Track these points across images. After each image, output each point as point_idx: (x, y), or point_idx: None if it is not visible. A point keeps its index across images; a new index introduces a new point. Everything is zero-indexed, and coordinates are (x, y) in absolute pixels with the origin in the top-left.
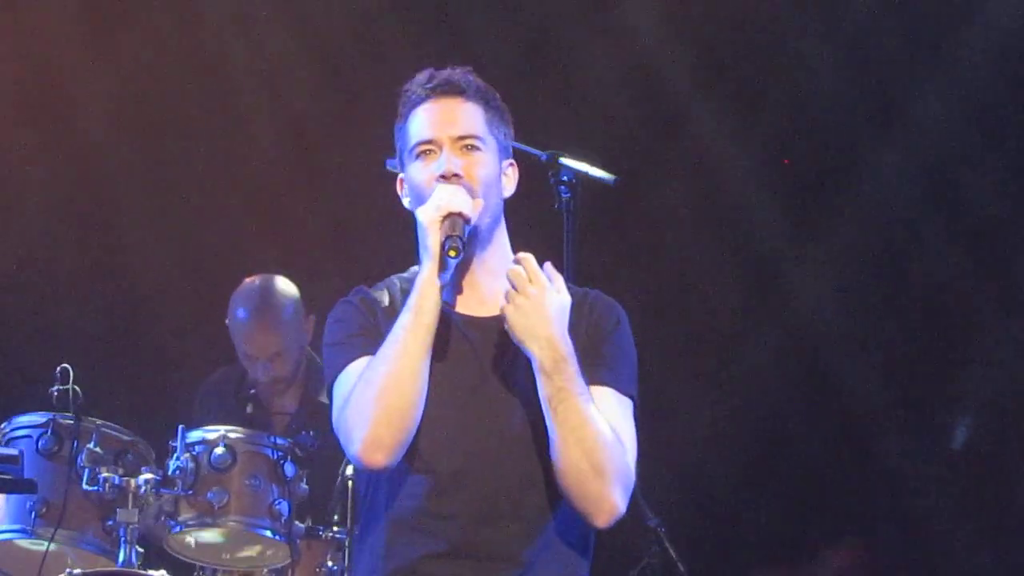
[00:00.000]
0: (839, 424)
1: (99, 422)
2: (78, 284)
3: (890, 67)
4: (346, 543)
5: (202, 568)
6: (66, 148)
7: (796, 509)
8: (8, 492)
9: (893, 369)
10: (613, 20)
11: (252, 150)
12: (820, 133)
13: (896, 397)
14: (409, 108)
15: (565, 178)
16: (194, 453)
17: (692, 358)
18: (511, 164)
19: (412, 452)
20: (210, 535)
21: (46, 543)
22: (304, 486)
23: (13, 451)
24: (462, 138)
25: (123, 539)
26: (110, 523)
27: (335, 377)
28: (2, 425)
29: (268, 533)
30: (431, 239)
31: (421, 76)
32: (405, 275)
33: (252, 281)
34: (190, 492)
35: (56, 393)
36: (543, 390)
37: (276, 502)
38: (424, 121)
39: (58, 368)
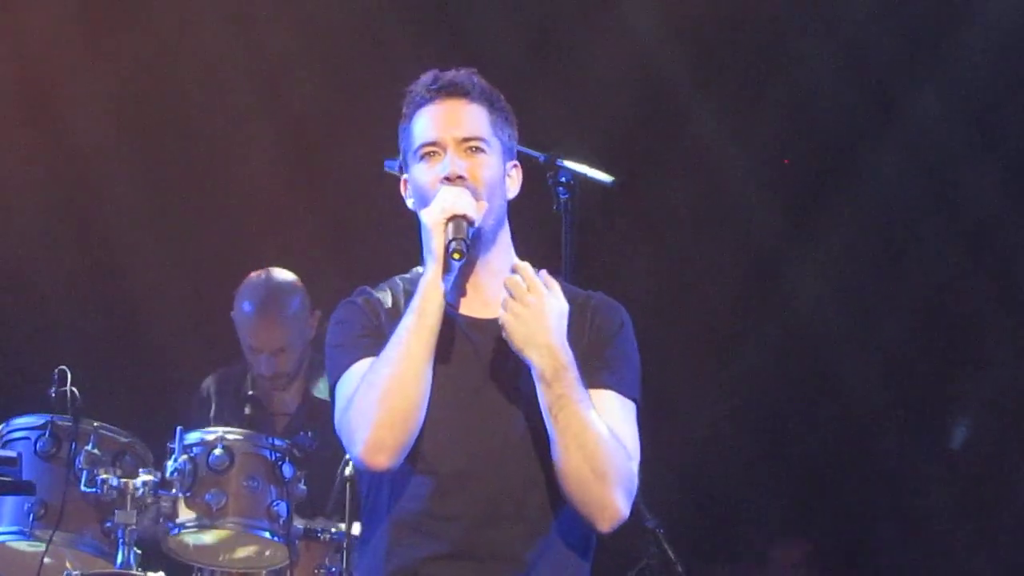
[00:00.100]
0: (839, 424)
1: (97, 424)
2: (76, 285)
3: (889, 66)
4: (344, 544)
5: (200, 569)
6: (65, 149)
7: (796, 509)
8: (6, 494)
9: (893, 369)
10: (613, 20)
11: (251, 150)
12: (820, 133)
13: (896, 397)
14: (413, 109)
15: (563, 179)
16: (192, 455)
17: (691, 359)
18: (515, 165)
19: (415, 453)
20: (208, 536)
21: (44, 545)
22: (302, 487)
23: (11, 453)
24: (466, 140)
25: (121, 541)
26: (108, 525)
27: (338, 378)
28: (0, 427)
29: (266, 534)
30: (435, 241)
31: (426, 77)
32: (408, 276)
33: (259, 274)
34: (188, 493)
35: (54, 395)
36: (543, 398)
37: (274, 503)
38: (428, 122)
39: (56, 370)
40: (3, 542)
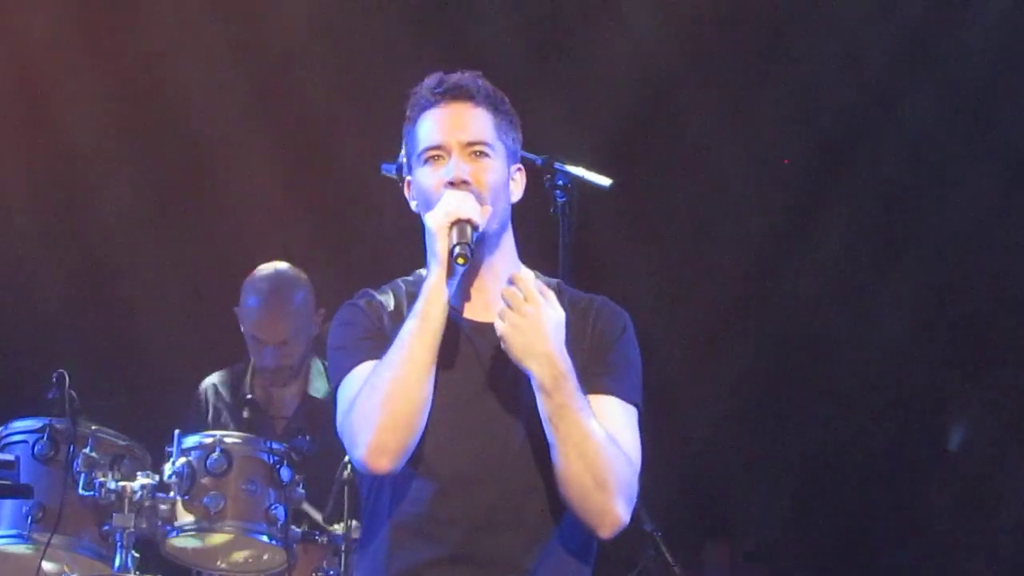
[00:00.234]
0: (838, 424)
1: (95, 427)
2: (74, 288)
3: (889, 66)
4: (343, 547)
5: (198, 573)
6: (63, 150)
7: (795, 509)
8: (4, 497)
9: (892, 369)
10: (613, 20)
11: (250, 151)
12: (820, 133)
13: (896, 397)
14: (418, 112)
15: (560, 182)
16: (190, 458)
17: (690, 360)
18: (519, 169)
19: (416, 457)
20: (206, 540)
21: (42, 548)
22: (300, 490)
23: (9, 456)
24: (471, 144)
25: (119, 544)
26: (106, 528)
27: (340, 380)
28: None
29: (264, 538)
30: (439, 245)
31: (430, 80)
32: (410, 278)
33: (266, 267)
34: (186, 497)
35: (52, 398)
36: (543, 408)
37: (272, 506)
38: (433, 126)
39: (54, 373)
40: (1, 545)
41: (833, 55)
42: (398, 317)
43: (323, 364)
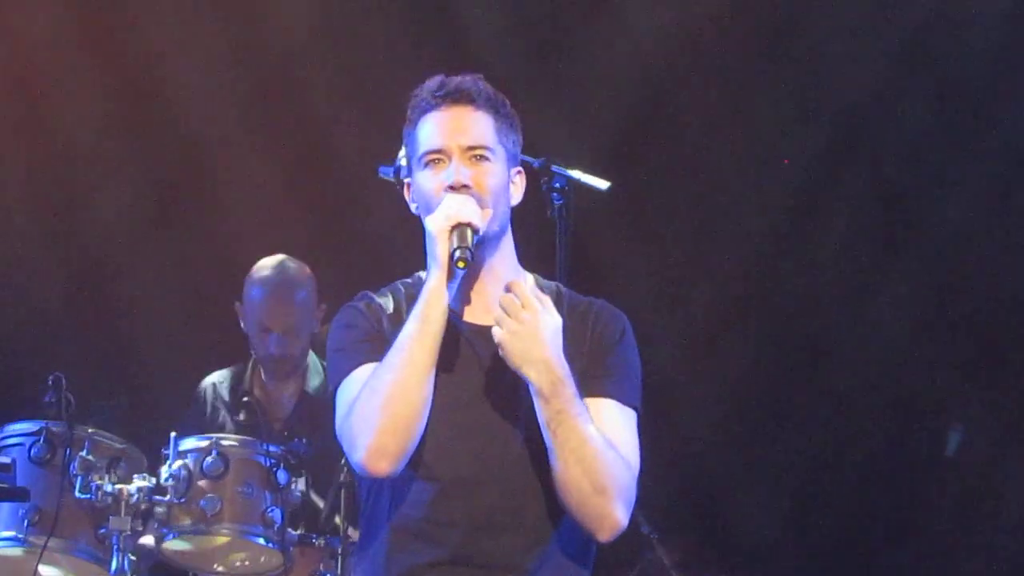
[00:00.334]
0: (838, 424)
1: (91, 430)
2: (72, 290)
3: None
4: (339, 550)
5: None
6: (60, 151)
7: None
8: (0, 500)
9: (892, 369)
10: (613, 20)
11: (250, 151)
12: (819, 132)
13: (895, 397)
14: (419, 115)
15: (557, 185)
16: (187, 461)
17: (689, 360)
18: (519, 172)
19: (416, 459)
20: (203, 543)
21: (39, 551)
22: (297, 493)
23: (6, 459)
24: (472, 148)
25: (116, 547)
26: (103, 531)
27: (339, 382)
28: None
29: (261, 540)
30: (440, 248)
31: (431, 82)
32: (409, 281)
33: (269, 259)
34: (183, 500)
35: (49, 401)
36: (542, 414)
37: (269, 509)
38: (434, 129)
39: (51, 376)
40: None
41: (833, 55)
42: (397, 320)
43: (321, 363)
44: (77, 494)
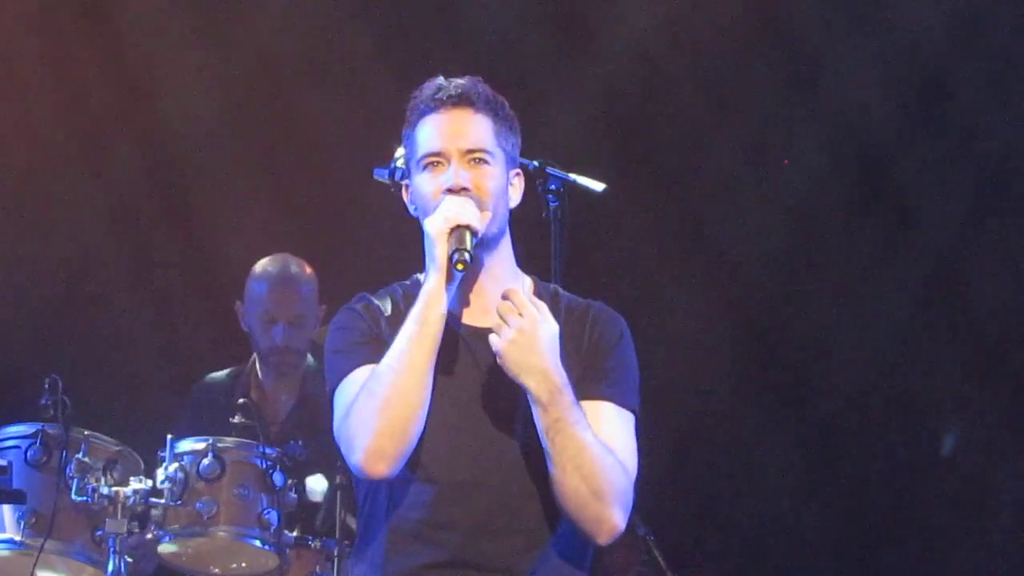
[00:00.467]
0: (837, 424)
1: (88, 432)
2: (68, 293)
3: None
4: (336, 552)
5: None
6: (60, 151)
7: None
8: None
9: (892, 369)
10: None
11: (249, 152)
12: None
13: (895, 397)
14: (417, 117)
15: (553, 187)
16: (183, 463)
17: (689, 361)
18: (517, 174)
19: (414, 462)
20: (199, 545)
21: (35, 554)
22: (293, 495)
23: (2, 462)
24: (471, 151)
25: (112, 549)
26: (99, 533)
27: (337, 384)
28: None
29: (257, 543)
30: (439, 251)
31: (430, 85)
32: (407, 283)
33: (273, 256)
34: (179, 502)
35: (45, 403)
36: (540, 422)
37: (265, 511)
38: (433, 132)
39: (47, 378)
40: None
41: (833, 55)
42: (396, 322)
43: (318, 365)
44: (73, 496)
